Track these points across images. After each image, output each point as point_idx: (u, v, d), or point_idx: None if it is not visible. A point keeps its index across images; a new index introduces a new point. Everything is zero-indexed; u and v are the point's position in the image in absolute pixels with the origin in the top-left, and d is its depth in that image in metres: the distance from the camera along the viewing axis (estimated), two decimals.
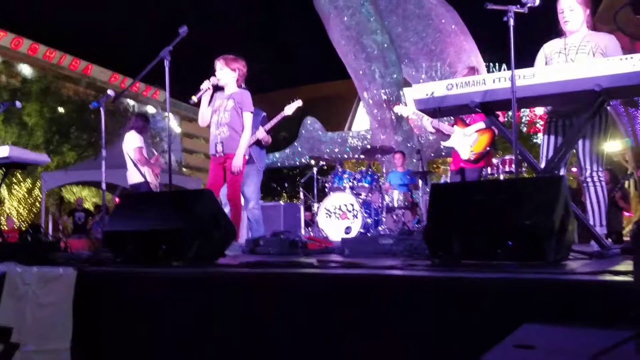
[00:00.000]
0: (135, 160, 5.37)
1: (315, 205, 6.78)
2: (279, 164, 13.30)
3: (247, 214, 4.92)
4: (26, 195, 19.89)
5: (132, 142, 5.51)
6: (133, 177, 5.47)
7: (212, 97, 4.14)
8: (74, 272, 2.07)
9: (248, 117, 4.08)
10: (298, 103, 5.11)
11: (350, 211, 6.21)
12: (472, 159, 4.71)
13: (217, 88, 4.15)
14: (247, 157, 4.83)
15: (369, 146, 10.70)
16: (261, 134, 4.93)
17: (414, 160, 9.43)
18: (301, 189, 7.54)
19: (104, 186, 4.42)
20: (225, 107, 4.07)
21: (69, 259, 2.57)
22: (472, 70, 4.59)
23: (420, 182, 6.70)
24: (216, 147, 4.05)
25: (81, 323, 2.02)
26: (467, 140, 4.75)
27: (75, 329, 2.01)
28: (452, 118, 5.04)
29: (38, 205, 19.27)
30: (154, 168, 5.54)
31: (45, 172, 12.67)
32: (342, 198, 6.28)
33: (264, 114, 5.12)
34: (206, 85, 4.05)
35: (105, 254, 2.63)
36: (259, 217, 4.88)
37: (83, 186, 18.90)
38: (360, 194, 6.46)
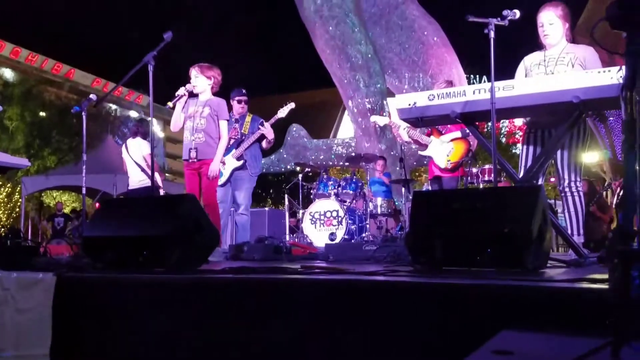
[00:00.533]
0: (147, 167, 5.41)
1: (300, 211, 6.78)
2: (264, 170, 13.35)
3: (235, 219, 4.88)
4: (6, 200, 19.48)
5: (142, 148, 5.68)
6: (135, 181, 5.51)
7: (186, 103, 4.15)
8: (53, 277, 2.05)
9: (224, 125, 4.10)
10: (291, 106, 5.15)
11: (334, 218, 6.22)
12: (449, 167, 4.79)
13: (192, 95, 4.15)
14: (242, 161, 4.83)
15: (353, 154, 10.75)
16: (266, 131, 4.91)
17: (397, 169, 9.47)
18: (286, 195, 7.52)
19: (84, 191, 4.38)
20: (201, 113, 4.05)
21: (49, 264, 2.51)
22: (449, 84, 4.68)
23: (403, 189, 6.74)
24: (190, 153, 4.05)
25: (60, 328, 2.00)
26: (443, 149, 4.84)
27: (55, 334, 2.00)
28: (426, 128, 5.12)
29: (18, 210, 18.88)
30: (161, 173, 5.61)
31: (26, 177, 12.42)
32: (327, 205, 6.30)
33: (262, 120, 5.12)
34: (182, 91, 4.06)
35: (85, 259, 2.58)
36: (247, 222, 4.86)
37: (63, 191, 18.58)
38: (345, 201, 6.50)
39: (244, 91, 5.10)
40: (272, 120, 4.99)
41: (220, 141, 4.07)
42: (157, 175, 5.50)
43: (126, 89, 32.86)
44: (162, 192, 5.41)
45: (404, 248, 2.59)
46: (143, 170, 5.49)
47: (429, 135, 4.96)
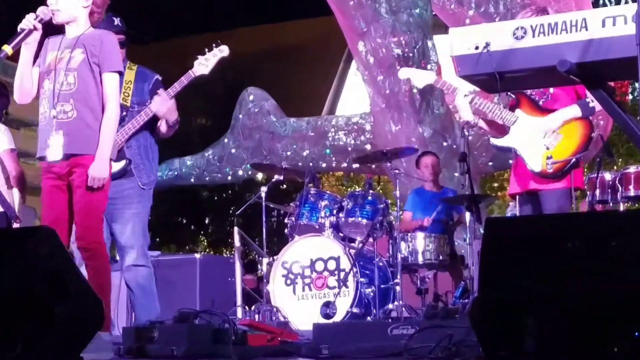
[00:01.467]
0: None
1: (264, 260, 6.77)
2: (191, 180, 13.34)
3: (124, 277, 4.95)
4: None
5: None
6: None
7: (41, 46, 4.18)
8: None
9: (112, 83, 4.12)
10: (221, 51, 5.11)
11: (332, 273, 6.23)
12: (549, 171, 4.82)
13: (50, 29, 4.18)
14: (123, 162, 4.83)
15: (367, 145, 10.72)
16: (159, 106, 4.91)
17: (456, 175, 9.46)
18: (236, 228, 7.52)
19: None
20: (67, 62, 4.09)
21: None
22: (543, 12, 4.75)
23: (467, 215, 6.77)
24: (49, 146, 4.05)
25: None
26: (539, 136, 4.88)
27: None
28: (509, 96, 5.16)
29: None
30: (21, 186, 5.56)
31: None
32: (317, 247, 6.32)
33: (157, 77, 5.17)
34: (29, 22, 4.01)
35: None
36: (149, 282, 4.94)
37: None
38: (353, 240, 6.44)
39: (117, 21, 5.06)
40: (179, 86, 5.02)
41: (105, 115, 4.08)
42: (15, 193, 5.48)
43: None
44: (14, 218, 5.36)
45: (468, 331, 2.59)
46: None
47: (512, 107, 5.02)
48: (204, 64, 5.08)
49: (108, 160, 4.07)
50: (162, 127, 5.07)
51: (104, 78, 4.10)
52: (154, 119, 4.99)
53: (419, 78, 5.46)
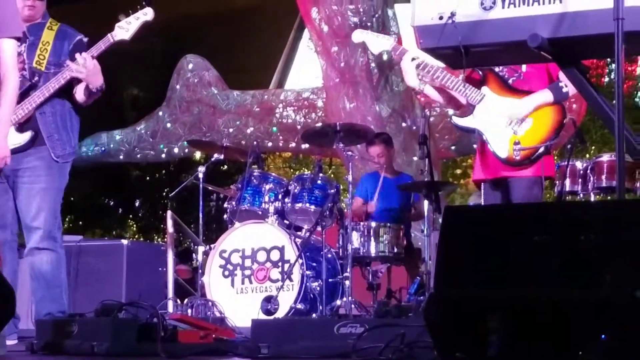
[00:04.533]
0: None
1: (200, 248, 6.75)
2: (120, 157, 13.27)
3: (30, 261, 4.89)
4: None
5: None
6: None
7: None
8: None
9: (9, 49, 4.01)
10: (145, 15, 5.02)
11: (275, 265, 6.26)
12: (516, 158, 4.86)
13: None
14: (28, 134, 4.77)
15: (319, 123, 10.68)
16: (79, 69, 4.82)
17: (414, 159, 9.51)
18: (169, 212, 7.47)
19: None
20: None
21: None
22: None
23: (425, 204, 6.81)
24: None
25: None
26: (508, 121, 4.93)
27: None
28: (476, 70, 5.14)
29: None
30: None
31: None
32: (260, 235, 6.34)
33: (81, 37, 5.11)
34: None
35: None
36: (55, 270, 4.85)
37: None
38: (300, 228, 6.52)
39: None
40: (102, 46, 4.96)
41: (5, 87, 3.98)
42: None
43: None
44: None
45: (422, 331, 2.60)
46: None
47: (477, 83, 5.04)
48: (124, 28, 5.00)
49: (4, 137, 3.96)
50: (79, 93, 4.96)
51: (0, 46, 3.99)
52: (75, 83, 4.92)
53: (375, 43, 5.42)
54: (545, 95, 4.89)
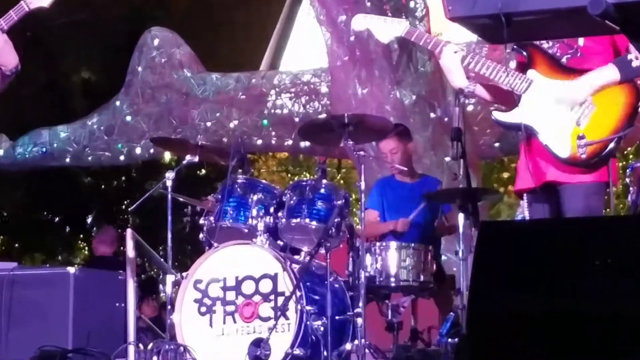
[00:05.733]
0: None
1: (169, 277, 6.77)
2: (67, 160, 13.31)
3: None
4: None
5: None
6: None
7: None
8: None
9: None
10: None
11: (266, 299, 6.26)
12: (582, 157, 4.87)
13: None
14: None
15: (323, 114, 10.74)
16: None
17: (446, 159, 9.56)
18: (130, 230, 7.48)
19: None
20: None
21: None
22: None
23: (461, 217, 6.80)
24: None
25: None
26: (566, 109, 4.94)
27: None
28: (517, 51, 5.18)
29: None
30: None
31: None
32: (246, 260, 6.35)
33: None
34: None
35: None
36: None
37: None
38: (298, 250, 6.56)
39: None
40: (15, 17, 5.03)
41: None
42: None
43: None
44: None
45: None
46: None
47: (523, 67, 5.07)
48: None
49: None
50: None
51: None
52: None
53: (383, 30, 5.42)
54: (609, 72, 4.90)
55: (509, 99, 5.09)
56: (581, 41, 4.97)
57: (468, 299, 2.29)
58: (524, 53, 5.03)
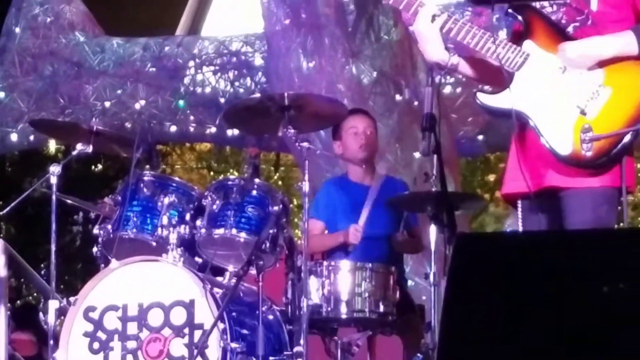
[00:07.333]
0: None
1: (52, 303, 6.74)
2: None
3: None
4: None
5: None
6: None
7: None
8: None
9: None
10: None
11: (179, 331, 6.28)
12: (587, 154, 4.87)
13: None
14: None
15: (256, 94, 10.83)
16: None
17: (416, 155, 9.65)
18: (1, 241, 7.48)
19: None
20: None
21: None
22: None
23: (432, 230, 6.88)
24: None
25: None
26: (571, 91, 4.97)
27: None
28: (516, 13, 5.18)
29: None
30: None
31: None
32: (153, 282, 6.40)
33: None
34: None
35: None
36: None
37: None
38: (222, 269, 6.62)
39: None
40: None
41: None
42: None
43: None
44: None
45: None
46: None
47: (517, 36, 5.11)
48: None
49: None
50: None
51: None
52: None
53: None
54: (625, 40, 4.92)
55: (498, 78, 5.10)
56: (594, 5, 4.95)
57: (439, 336, 2.30)
58: (520, 19, 5.05)
